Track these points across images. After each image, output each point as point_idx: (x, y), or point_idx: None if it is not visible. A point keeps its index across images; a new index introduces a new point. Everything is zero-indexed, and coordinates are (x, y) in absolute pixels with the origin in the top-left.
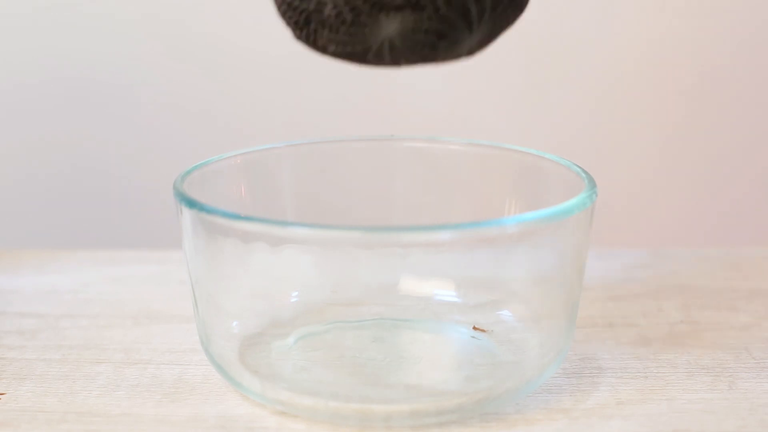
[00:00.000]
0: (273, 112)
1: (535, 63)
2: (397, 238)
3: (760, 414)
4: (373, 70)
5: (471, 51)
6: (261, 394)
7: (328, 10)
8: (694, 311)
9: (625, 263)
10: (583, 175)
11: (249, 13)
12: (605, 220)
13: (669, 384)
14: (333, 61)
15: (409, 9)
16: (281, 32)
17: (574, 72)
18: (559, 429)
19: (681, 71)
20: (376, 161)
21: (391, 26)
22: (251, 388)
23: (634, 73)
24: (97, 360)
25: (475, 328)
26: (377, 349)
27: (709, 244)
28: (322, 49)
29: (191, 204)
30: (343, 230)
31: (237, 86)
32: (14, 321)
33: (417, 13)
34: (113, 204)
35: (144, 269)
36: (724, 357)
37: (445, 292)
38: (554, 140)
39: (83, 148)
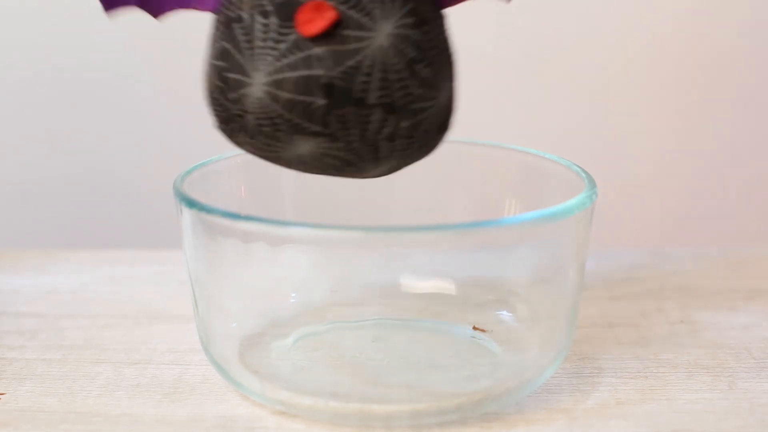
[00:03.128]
0: None
1: (535, 62)
2: (397, 238)
3: (760, 414)
4: None
5: (375, 176)
6: (261, 394)
7: (250, 118)
8: (694, 311)
9: (625, 263)
10: (583, 175)
11: None
12: (605, 220)
13: (669, 384)
14: None
15: (324, 137)
16: None
17: (574, 72)
18: (559, 429)
19: (681, 71)
20: None
21: (304, 147)
22: (251, 388)
23: (634, 72)
24: (97, 360)
25: (475, 328)
26: (377, 349)
27: (709, 244)
28: (238, 145)
29: (191, 204)
30: (343, 230)
31: None
32: (14, 321)
33: (330, 142)
34: (113, 204)
35: (144, 269)
36: (724, 357)
37: (445, 292)
38: (554, 140)
39: (83, 147)
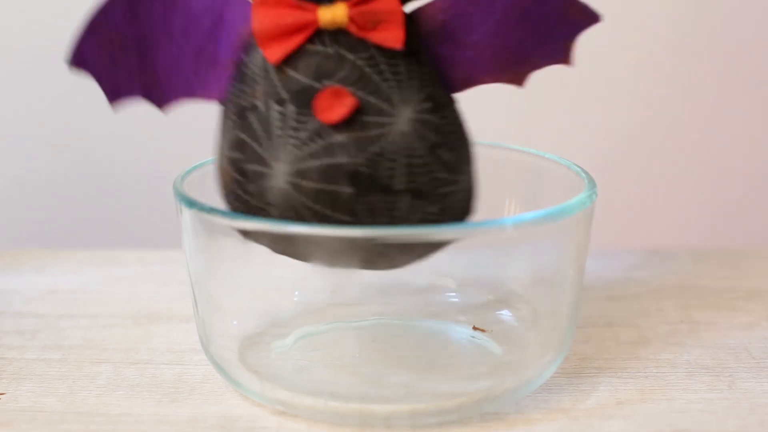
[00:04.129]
0: None
1: None
2: (397, 238)
3: (760, 414)
4: None
5: (402, 266)
6: (261, 394)
7: (272, 211)
8: (694, 311)
9: (625, 263)
10: (583, 175)
11: None
12: (605, 220)
13: (669, 384)
14: None
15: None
16: None
17: (573, 72)
18: (559, 429)
19: (681, 71)
20: None
21: (329, 242)
22: (251, 388)
23: (634, 72)
24: (97, 360)
25: (475, 328)
26: (377, 349)
27: (709, 244)
28: (256, 240)
29: (191, 204)
30: (343, 230)
31: None
32: (14, 321)
33: None
34: (113, 203)
35: (144, 269)
36: (724, 357)
37: (444, 292)
38: (554, 140)
39: (83, 147)
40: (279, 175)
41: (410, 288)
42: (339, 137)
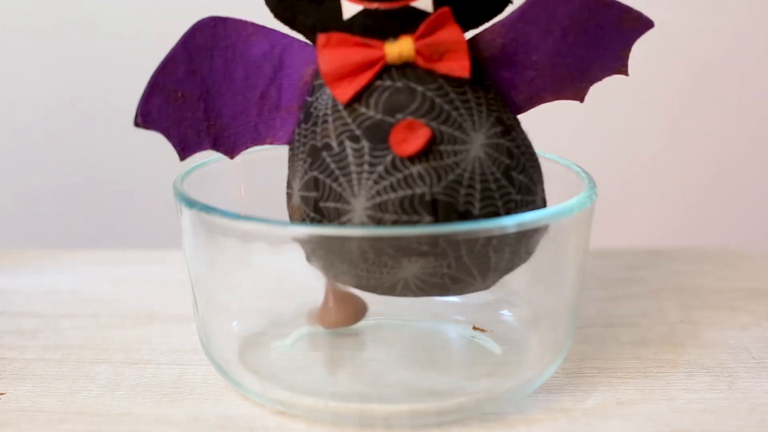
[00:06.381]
0: None
1: None
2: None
3: (760, 414)
4: None
5: (479, 290)
6: (261, 394)
7: (352, 246)
8: (694, 311)
9: (625, 263)
10: (583, 175)
11: (249, 14)
12: (605, 220)
13: (669, 384)
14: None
15: (432, 255)
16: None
17: None
18: (559, 429)
19: (681, 70)
20: None
21: (411, 269)
22: (251, 388)
23: (633, 72)
24: (97, 360)
25: (475, 328)
26: (377, 349)
27: (709, 244)
28: (334, 278)
29: (191, 204)
30: (343, 230)
31: None
32: (14, 321)
33: (439, 261)
34: (113, 204)
35: (144, 269)
36: (724, 357)
37: None
38: (554, 140)
39: (83, 147)
40: (358, 209)
41: None
42: (416, 168)
